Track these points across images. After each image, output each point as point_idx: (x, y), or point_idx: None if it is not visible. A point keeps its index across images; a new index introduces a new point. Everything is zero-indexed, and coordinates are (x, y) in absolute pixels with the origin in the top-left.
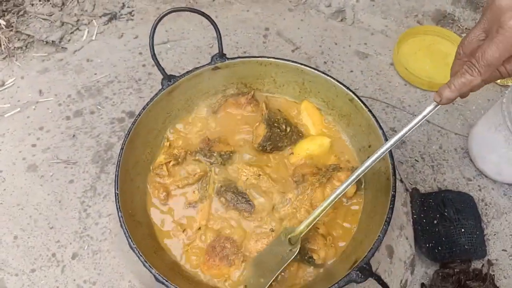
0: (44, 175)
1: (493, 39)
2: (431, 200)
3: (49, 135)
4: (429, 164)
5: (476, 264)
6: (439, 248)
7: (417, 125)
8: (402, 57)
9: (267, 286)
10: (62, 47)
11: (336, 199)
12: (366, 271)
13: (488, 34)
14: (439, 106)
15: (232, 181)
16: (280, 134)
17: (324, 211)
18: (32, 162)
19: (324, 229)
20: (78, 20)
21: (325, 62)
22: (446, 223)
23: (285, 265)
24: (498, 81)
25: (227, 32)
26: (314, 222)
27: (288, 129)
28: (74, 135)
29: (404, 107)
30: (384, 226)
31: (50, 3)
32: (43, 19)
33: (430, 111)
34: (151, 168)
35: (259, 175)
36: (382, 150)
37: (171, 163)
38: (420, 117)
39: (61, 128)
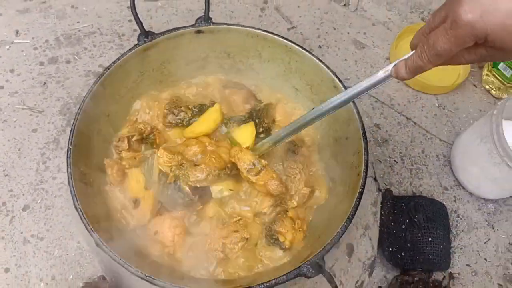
0: (7, 119)
1: (446, 30)
2: (403, 204)
3: (19, 78)
4: (408, 167)
5: (437, 276)
6: (402, 254)
7: (368, 90)
8: (400, 53)
9: None
10: None
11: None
12: (318, 266)
13: (445, 19)
14: (390, 79)
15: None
16: None
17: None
18: None
19: (293, 212)
20: None
21: (320, 46)
22: (414, 230)
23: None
24: (493, 92)
25: (223, 0)
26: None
27: None
28: (45, 83)
29: (393, 105)
30: (345, 223)
31: None
32: None
33: (382, 80)
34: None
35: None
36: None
37: (134, 138)
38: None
39: (33, 73)
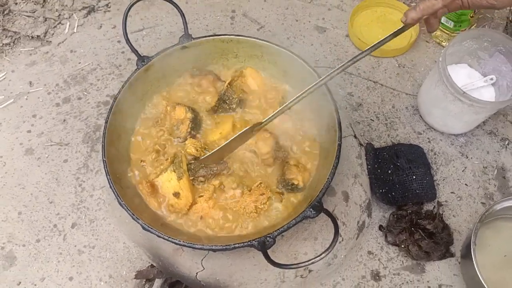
0: (40, 157)
1: None
2: (385, 153)
3: (42, 121)
4: (383, 122)
5: (428, 207)
6: (393, 193)
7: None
8: (356, 29)
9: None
10: (47, 41)
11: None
12: (317, 207)
13: None
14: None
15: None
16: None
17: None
18: (29, 146)
19: (294, 160)
20: (59, 15)
21: (287, 38)
22: (399, 172)
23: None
24: (444, 44)
25: (197, 17)
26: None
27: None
28: (64, 120)
29: (360, 73)
30: (332, 170)
31: (32, 1)
32: (27, 16)
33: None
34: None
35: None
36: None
37: (153, 156)
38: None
39: (52, 114)
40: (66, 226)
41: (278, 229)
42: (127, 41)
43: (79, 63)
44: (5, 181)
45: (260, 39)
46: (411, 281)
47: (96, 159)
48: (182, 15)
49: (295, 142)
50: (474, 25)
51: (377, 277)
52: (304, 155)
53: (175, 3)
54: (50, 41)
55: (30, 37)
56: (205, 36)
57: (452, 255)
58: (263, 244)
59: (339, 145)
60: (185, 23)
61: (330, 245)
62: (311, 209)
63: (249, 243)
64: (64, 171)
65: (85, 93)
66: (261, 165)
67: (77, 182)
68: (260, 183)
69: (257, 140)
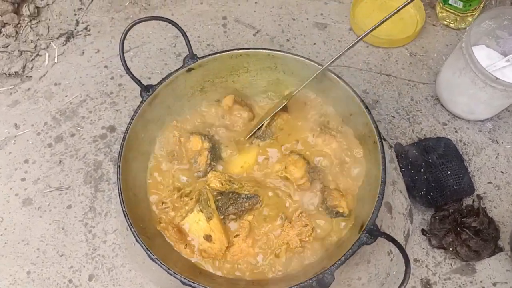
0: (41, 206)
1: None
2: (414, 151)
3: (35, 166)
4: (405, 118)
5: (467, 201)
6: (431, 194)
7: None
8: (359, 21)
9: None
10: (27, 76)
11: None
12: (374, 231)
13: None
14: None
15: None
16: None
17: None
18: (26, 196)
19: (333, 183)
20: (35, 46)
21: (287, 40)
22: (432, 169)
23: (275, 111)
24: (452, 25)
25: (187, 29)
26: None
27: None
28: (60, 161)
29: (371, 68)
30: (381, 187)
31: (3, 34)
32: (0, 52)
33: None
34: (153, 207)
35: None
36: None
37: (175, 196)
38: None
39: (46, 156)
40: (82, 279)
41: (335, 263)
42: (127, 70)
43: (66, 96)
44: (6, 239)
45: (271, 49)
46: (463, 284)
47: (102, 200)
48: (184, 34)
49: (328, 161)
50: (483, 3)
51: (428, 286)
52: (342, 175)
53: (176, 23)
54: (31, 76)
55: (7, 75)
56: (212, 54)
57: (501, 249)
58: (322, 281)
59: (383, 158)
60: (188, 42)
61: (404, 277)
62: (367, 234)
63: (306, 283)
64: (70, 218)
65: (78, 128)
66: (297, 191)
67: (86, 228)
68: (301, 212)
69: (287, 165)
